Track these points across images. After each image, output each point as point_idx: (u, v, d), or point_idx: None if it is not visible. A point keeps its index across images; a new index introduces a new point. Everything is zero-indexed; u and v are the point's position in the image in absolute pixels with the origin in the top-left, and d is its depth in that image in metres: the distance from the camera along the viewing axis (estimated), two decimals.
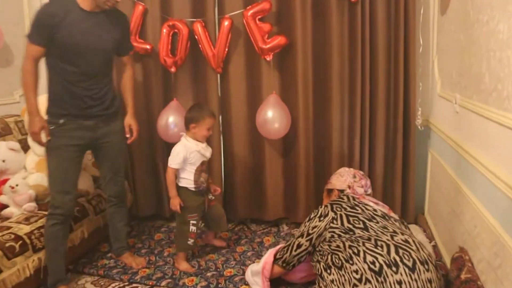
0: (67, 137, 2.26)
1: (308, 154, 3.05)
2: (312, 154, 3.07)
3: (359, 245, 1.78)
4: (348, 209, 2.00)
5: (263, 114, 2.84)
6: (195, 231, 2.60)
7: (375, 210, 2.01)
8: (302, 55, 2.87)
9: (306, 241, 2.02)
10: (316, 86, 2.94)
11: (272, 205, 3.20)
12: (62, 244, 2.34)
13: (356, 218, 1.93)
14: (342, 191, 2.24)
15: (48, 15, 2.12)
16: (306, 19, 2.82)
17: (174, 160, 2.53)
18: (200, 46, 2.92)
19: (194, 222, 2.59)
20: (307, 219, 2.09)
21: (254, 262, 2.66)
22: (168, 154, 3.15)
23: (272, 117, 2.81)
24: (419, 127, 2.85)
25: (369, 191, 2.26)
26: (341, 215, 1.96)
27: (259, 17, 2.80)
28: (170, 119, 2.88)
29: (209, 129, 2.55)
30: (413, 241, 1.79)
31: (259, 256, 2.78)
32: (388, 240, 1.78)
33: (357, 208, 2.01)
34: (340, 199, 2.09)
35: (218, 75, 3.05)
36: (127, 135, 2.55)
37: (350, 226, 1.90)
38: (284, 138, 3.00)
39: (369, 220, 1.93)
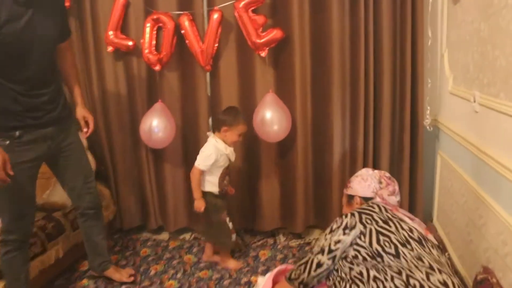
0: (25, 151, 1.94)
1: (306, 158, 2.81)
2: (311, 158, 2.83)
3: (386, 279, 1.48)
4: (380, 223, 1.65)
5: (261, 115, 2.58)
6: (232, 227, 2.59)
7: (411, 230, 1.65)
8: (300, 50, 2.62)
9: (328, 259, 1.65)
10: (315, 84, 2.70)
11: (268, 214, 2.95)
12: (23, 271, 2.05)
13: (387, 239, 1.59)
14: (366, 199, 1.89)
15: None
16: (304, 10, 2.57)
17: (204, 162, 2.42)
18: (187, 41, 2.66)
19: (228, 219, 2.58)
20: (329, 230, 1.70)
21: (250, 280, 2.42)
22: (154, 160, 2.95)
23: (271, 118, 2.56)
24: (427, 127, 2.61)
25: (398, 198, 1.91)
26: (370, 230, 1.61)
27: (252, 8, 2.54)
28: (154, 122, 2.61)
29: (240, 135, 2.46)
30: (453, 283, 1.47)
31: (254, 272, 2.54)
32: (422, 280, 1.45)
33: (390, 223, 1.65)
34: (370, 208, 1.72)
35: (208, 73, 2.79)
36: (84, 129, 2.23)
37: (379, 249, 1.57)
38: (279, 142, 2.74)
39: (403, 244, 1.58)
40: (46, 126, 2.00)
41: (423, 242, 1.62)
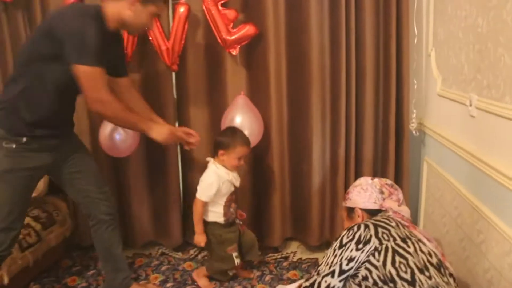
0: (29, 158, 1.83)
1: (283, 166, 2.59)
2: (288, 166, 2.61)
3: None
4: (398, 240, 1.41)
5: (229, 119, 2.34)
6: (239, 262, 2.34)
7: (430, 254, 1.43)
8: (275, 48, 2.39)
9: (340, 281, 1.42)
10: (291, 86, 2.47)
11: None
12: None
13: (404, 262, 1.36)
14: (369, 211, 1.65)
15: (98, 30, 1.74)
16: (279, 4, 2.34)
17: (206, 192, 2.23)
18: (150, 38, 2.39)
19: (236, 253, 2.31)
20: (338, 244, 1.46)
21: None
22: (115, 170, 2.67)
23: (241, 123, 2.32)
24: (413, 132, 2.43)
25: (403, 206, 1.67)
26: (386, 248, 1.38)
27: (222, 2, 2.30)
28: (115, 129, 2.33)
29: (240, 159, 2.24)
30: None
31: None
32: None
33: (409, 243, 1.41)
34: (386, 221, 1.49)
35: (174, 74, 2.54)
36: (191, 140, 2.16)
37: (393, 272, 1.34)
38: (253, 149, 2.49)
39: (421, 270, 1.36)
40: (54, 138, 1.93)
41: (442, 269, 1.42)
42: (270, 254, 2.71)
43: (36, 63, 1.77)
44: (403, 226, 1.51)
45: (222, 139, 2.22)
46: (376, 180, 1.72)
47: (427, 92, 2.39)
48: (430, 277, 1.35)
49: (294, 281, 2.40)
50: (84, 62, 1.69)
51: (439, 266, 1.41)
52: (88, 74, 1.72)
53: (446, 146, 2.07)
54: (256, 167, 2.63)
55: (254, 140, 2.40)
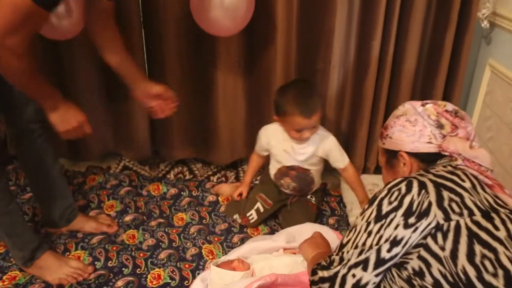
0: None
1: (288, 62, 1.88)
2: (295, 64, 1.90)
3: None
4: (477, 215, 0.83)
5: None
6: (253, 216, 1.83)
7: None
8: None
9: (376, 275, 0.88)
10: None
11: (226, 145, 2.11)
12: (12, 200, 1.46)
13: (491, 256, 0.79)
14: (422, 158, 1.03)
15: None
16: None
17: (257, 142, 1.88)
18: None
19: (261, 206, 1.84)
20: (373, 212, 0.90)
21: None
22: (58, 59, 1.91)
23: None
24: (482, 23, 1.72)
25: (478, 149, 1.01)
26: (457, 229, 0.82)
27: None
28: None
29: (302, 132, 1.64)
30: None
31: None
32: None
33: (496, 220, 0.83)
34: (454, 178, 0.90)
35: None
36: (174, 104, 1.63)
37: (471, 272, 0.79)
38: (246, 38, 1.79)
39: None
40: None
41: None
42: None
43: None
44: (484, 186, 0.90)
45: (276, 99, 1.67)
46: (430, 106, 1.05)
47: None
48: None
49: None
50: None
51: None
52: (14, 4, 1.07)
53: None
54: (249, 65, 1.91)
55: (240, 24, 1.65)
